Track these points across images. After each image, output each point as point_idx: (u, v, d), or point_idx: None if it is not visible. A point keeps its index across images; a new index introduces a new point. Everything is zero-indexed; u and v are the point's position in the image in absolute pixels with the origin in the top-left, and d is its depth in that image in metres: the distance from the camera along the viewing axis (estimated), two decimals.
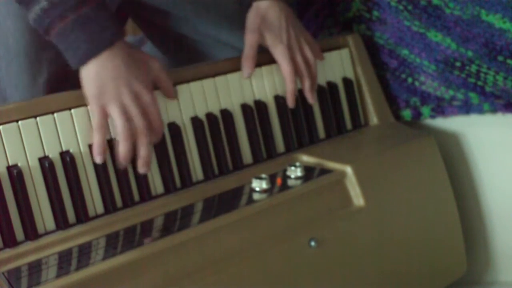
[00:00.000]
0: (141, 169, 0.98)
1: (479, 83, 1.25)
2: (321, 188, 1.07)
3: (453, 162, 1.30)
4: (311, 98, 1.18)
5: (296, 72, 1.16)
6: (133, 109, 0.96)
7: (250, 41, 1.14)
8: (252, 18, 1.16)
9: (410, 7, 1.28)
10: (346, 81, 1.27)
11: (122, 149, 0.96)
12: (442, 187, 1.22)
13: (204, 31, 1.26)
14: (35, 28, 0.96)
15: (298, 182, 1.06)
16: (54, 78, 1.13)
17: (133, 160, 0.99)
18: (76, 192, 0.95)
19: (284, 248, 0.99)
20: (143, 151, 0.97)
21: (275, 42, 1.15)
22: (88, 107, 0.97)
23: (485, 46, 1.23)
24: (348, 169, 1.10)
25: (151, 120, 0.98)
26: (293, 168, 1.08)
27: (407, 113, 1.32)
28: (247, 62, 1.13)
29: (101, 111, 0.96)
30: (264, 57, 1.16)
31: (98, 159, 0.95)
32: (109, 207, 0.97)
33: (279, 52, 1.14)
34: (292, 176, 1.08)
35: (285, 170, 1.09)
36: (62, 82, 1.12)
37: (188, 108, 1.07)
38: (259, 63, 1.16)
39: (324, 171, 1.10)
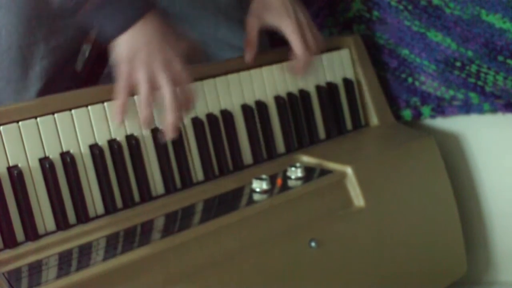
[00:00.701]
0: (167, 136, 0.98)
1: (479, 83, 1.25)
2: (322, 188, 1.07)
3: (453, 162, 1.30)
4: (301, 72, 1.17)
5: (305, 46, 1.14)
6: (162, 77, 0.96)
7: (249, 25, 1.14)
8: (253, 4, 1.16)
9: (410, 7, 1.28)
10: (346, 82, 1.27)
11: (143, 115, 0.97)
12: (442, 187, 1.22)
13: (201, 29, 1.26)
14: (31, 21, 0.96)
15: (299, 182, 1.06)
16: (46, 72, 1.12)
17: (134, 160, 1.00)
18: (77, 192, 0.94)
19: (284, 249, 0.99)
20: (171, 117, 0.97)
21: (282, 18, 1.13)
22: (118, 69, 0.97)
23: (485, 46, 1.23)
24: (349, 170, 1.10)
25: (182, 89, 0.98)
26: (293, 168, 1.08)
27: (407, 113, 1.32)
28: (247, 46, 1.14)
29: (128, 74, 0.96)
30: (264, 57, 1.16)
31: (117, 118, 0.96)
32: (110, 207, 0.97)
33: (286, 25, 1.13)
34: (293, 176, 1.08)
35: (285, 171, 1.09)
36: (54, 75, 1.12)
37: None
38: (259, 63, 1.16)
39: (325, 172, 1.10)
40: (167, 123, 0.98)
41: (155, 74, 0.96)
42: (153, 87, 0.96)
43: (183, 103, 0.99)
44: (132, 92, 0.98)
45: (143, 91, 0.96)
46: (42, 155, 0.93)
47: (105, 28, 0.96)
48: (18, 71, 1.10)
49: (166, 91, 0.96)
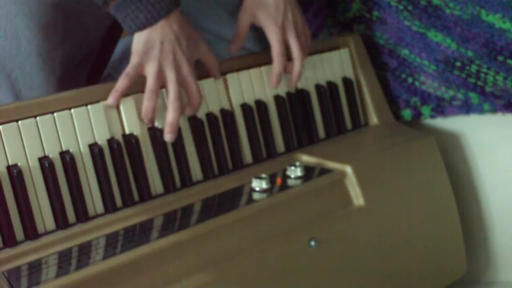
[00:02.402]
0: (166, 136, 1.01)
1: (479, 83, 1.25)
2: (321, 188, 1.07)
3: (453, 162, 1.30)
4: (294, 83, 1.16)
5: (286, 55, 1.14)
6: (170, 74, 1.00)
7: (240, 20, 1.15)
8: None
9: (410, 7, 1.28)
10: (346, 81, 1.27)
11: (144, 107, 1.00)
12: (442, 187, 1.22)
13: (205, 27, 1.26)
14: (47, 26, 0.98)
15: (298, 182, 1.06)
16: (67, 77, 1.14)
17: (134, 159, 1.00)
18: (76, 191, 0.95)
19: (284, 248, 0.99)
20: (171, 117, 1.00)
21: (269, 22, 1.14)
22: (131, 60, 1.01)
23: (485, 46, 1.23)
24: (348, 169, 1.10)
25: (187, 92, 1.02)
26: (293, 168, 1.08)
27: (407, 113, 1.32)
28: (233, 40, 1.15)
29: (138, 65, 1.00)
30: (264, 57, 1.16)
31: (110, 101, 0.99)
32: (109, 206, 0.97)
33: (271, 32, 1.14)
34: (292, 176, 1.08)
35: (285, 170, 1.09)
36: (74, 81, 1.13)
37: None
38: (258, 63, 1.16)
39: (324, 171, 1.10)
40: (166, 121, 1.00)
41: (163, 71, 1.00)
42: (160, 83, 1.00)
43: (186, 105, 1.03)
44: (133, 82, 1.00)
45: (149, 83, 1.00)
46: (41, 154, 0.93)
47: (126, 23, 1.00)
48: (41, 77, 1.12)
49: (170, 89, 1.00)
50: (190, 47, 1.03)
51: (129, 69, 1.00)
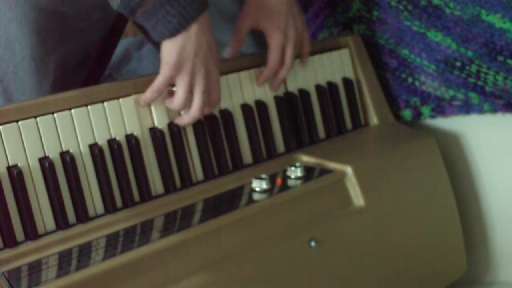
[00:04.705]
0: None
1: (479, 83, 1.25)
2: (321, 188, 1.07)
3: (453, 162, 1.30)
4: (276, 87, 1.16)
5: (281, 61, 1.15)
6: (199, 87, 1.00)
7: (241, 23, 1.15)
8: (249, 2, 1.15)
9: (410, 7, 1.28)
10: (346, 81, 1.27)
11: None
12: (442, 187, 1.22)
13: None
14: (41, 31, 0.97)
15: (298, 182, 1.06)
16: (60, 81, 1.14)
17: (134, 159, 1.00)
18: (76, 192, 0.94)
19: (284, 248, 0.99)
20: (187, 120, 1.03)
21: (272, 27, 1.13)
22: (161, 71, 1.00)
23: (485, 46, 1.23)
24: (348, 169, 1.10)
25: (211, 97, 1.04)
26: (293, 168, 1.08)
27: (407, 113, 1.32)
28: (232, 43, 1.15)
29: (168, 79, 1.00)
30: (264, 58, 1.16)
31: (141, 105, 1.01)
32: (109, 207, 0.97)
33: (273, 38, 1.13)
34: (292, 176, 1.08)
35: (285, 170, 1.09)
36: (68, 85, 1.13)
37: None
38: (258, 64, 1.16)
39: (324, 171, 1.10)
40: (181, 121, 1.03)
41: (194, 84, 1.00)
42: (190, 93, 1.01)
43: (208, 104, 1.04)
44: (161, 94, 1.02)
45: (180, 95, 1.00)
46: (42, 155, 0.93)
47: (157, 30, 0.97)
48: (33, 81, 1.12)
49: (196, 102, 1.01)
50: (216, 49, 1.02)
51: (160, 84, 1.00)
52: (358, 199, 1.09)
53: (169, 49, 0.98)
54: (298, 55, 1.18)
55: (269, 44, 1.14)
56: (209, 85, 1.02)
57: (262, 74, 1.14)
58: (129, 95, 1.01)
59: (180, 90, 1.00)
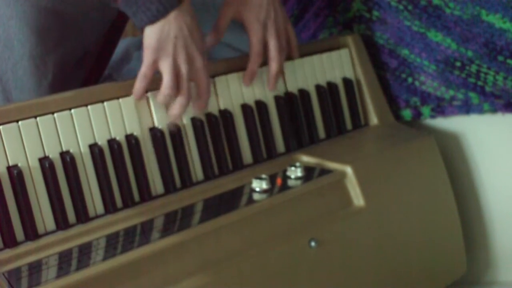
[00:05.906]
0: (169, 125, 1.03)
1: (479, 83, 1.25)
2: (321, 188, 1.07)
3: (453, 162, 1.30)
4: (272, 85, 1.15)
5: (265, 54, 1.14)
6: (184, 70, 1.00)
7: (222, 12, 1.15)
8: None
9: (410, 7, 1.28)
10: (346, 81, 1.27)
11: (162, 100, 1.01)
12: (442, 187, 1.22)
13: (203, 32, 1.26)
14: (40, 30, 0.97)
15: (298, 182, 1.06)
16: (59, 81, 1.13)
17: (134, 159, 1.00)
18: (76, 192, 0.94)
19: (284, 249, 0.99)
20: (176, 109, 1.02)
21: (251, 18, 1.13)
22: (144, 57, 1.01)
23: (485, 46, 1.23)
24: (348, 169, 1.10)
25: (199, 86, 1.03)
26: (293, 168, 1.08)
27: (407, 113, 1.32)
28: (213, 32, 1.14)
29: (152, 63, 1.00)
30: (264, 58, 1.15)
31: (136, 96, 1.01)
32: (109, 207, 0.97)
33: (252, 29, 1.13)
34: (292, 176, 1.08)
35: (285, 170, 1.09)
36: (67, 84, 1.13)
37: (188, 108, 1.07)
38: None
39: (324, 171, 1.10)
40: (172, 111, 1.02)
41: (178, 66, 1.00)
42: (177, 78, 1.00)
43: (195, 98, 1.03)
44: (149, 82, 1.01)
45: (166, 80, 1.00)
46: (42, 155, 0.93)
47: (138, 17, 0.98)
48: (32, 80, 1.11)
49: (182, 86, 1.01)
50: (201, 37, 1.02)
51: (145, 69, 1.00)
52: (358, 199, 1.09)
53: (149, 34, 0.99)
54: (288, 51, 1.18)
55: (249, 37, 1.14)
56: (193, 70, 1.01)
57: (246, 70, 1.13)
58: (129, 95, 1.01)
59: (165, 75, 1.00)
